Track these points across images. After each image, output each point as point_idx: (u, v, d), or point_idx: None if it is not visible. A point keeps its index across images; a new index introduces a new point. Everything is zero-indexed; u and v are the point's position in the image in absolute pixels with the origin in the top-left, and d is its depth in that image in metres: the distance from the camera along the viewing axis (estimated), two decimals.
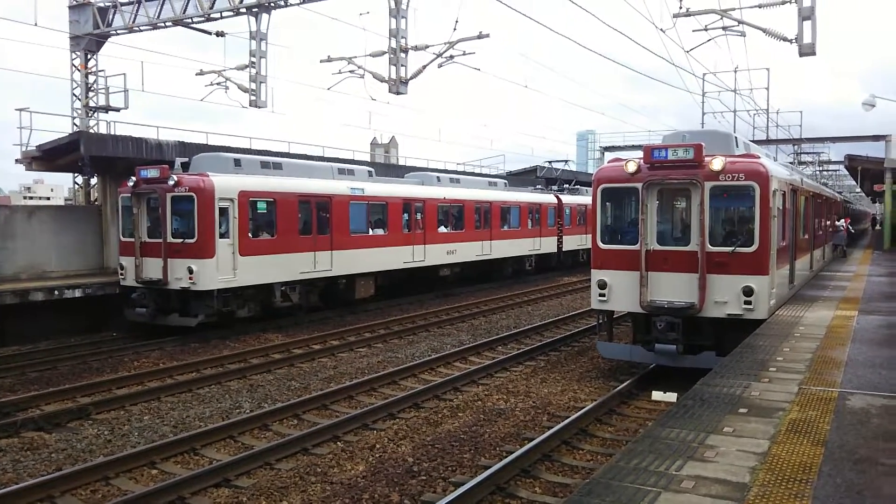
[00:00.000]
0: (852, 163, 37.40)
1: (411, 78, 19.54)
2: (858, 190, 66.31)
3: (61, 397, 12.93)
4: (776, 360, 9.58)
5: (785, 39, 17.52)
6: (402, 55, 19.20)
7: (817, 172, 53.68)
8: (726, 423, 6.79)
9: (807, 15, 17.00)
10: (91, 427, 11.39)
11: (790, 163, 39.19)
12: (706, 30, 19.41)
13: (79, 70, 25.70)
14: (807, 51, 17.13)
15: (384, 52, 19.93)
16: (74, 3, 25.24)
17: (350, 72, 21.69)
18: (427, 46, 20.55)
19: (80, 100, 25.76)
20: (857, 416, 7.00)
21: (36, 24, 21.42)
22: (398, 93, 19.38)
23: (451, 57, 20.53)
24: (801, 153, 48.44)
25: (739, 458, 5.84)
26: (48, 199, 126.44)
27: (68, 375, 14.92)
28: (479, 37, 20.33)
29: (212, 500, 8.43)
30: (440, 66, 20.72)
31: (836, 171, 59.23)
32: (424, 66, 20.27)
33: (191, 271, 17.92)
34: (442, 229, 27.55)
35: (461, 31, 20.15)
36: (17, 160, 23.05)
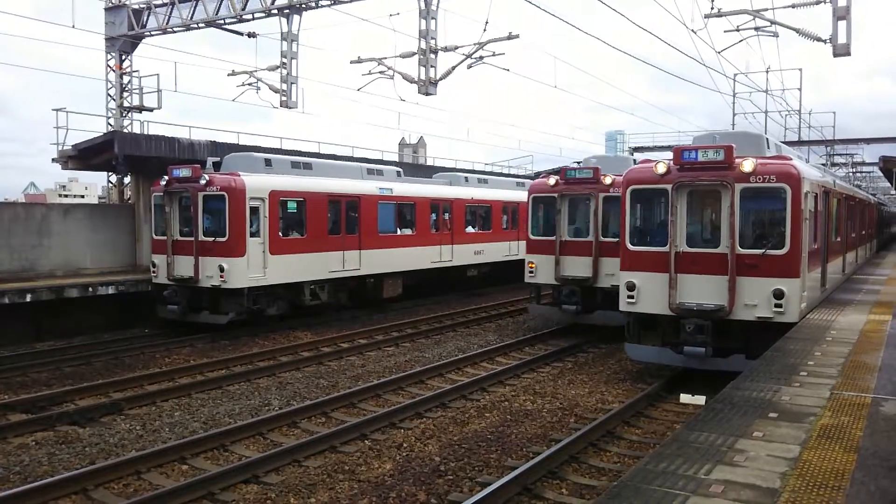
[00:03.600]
0: (887, 164, 36.68)
1: (440, 79, 19.56)
2: (894, 192, 65.16)
3: (95, 392, 13.18)
4: (807, 365, 9.47)
5: (819, 40, 17.28)
6: (432, 56, 19.23)
7: (851, 174, 52.79)
8: (756, 428, 6.74)
9: (841, 15, 16.75)
10: (123, 422, 11.60)
11: (822, 164, 38.60)
12: (738, 30, 19.19)
13: (114, 71, 26.12)
14: (841, 51, 16.88)
15: (414, 53, 19.98)
16: (110, 4, 25.66)
17: (380, 73, 21.76)
18: (456, 47, 20.55)
19: (114, 100, 26.18)
20: (891, 422, 6.91)
21: (73, 27, 21.82)
22: (427, 93, 19.41)
23: (481, 58, 20.50)
24: (833, 155, 47.64)
25: (769, 464, 5.79)
26: (82, 196, 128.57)
27: (102, 371, 15.20)
28: (509, 37, 20.30)
29: (241, 496, 8.55)
30: (469, 66, 20.70)
31: (870, 172, 58.14)
32: (454, 67, 20.27)
33: (222, 269, 18.16)
34: (469, 229, 27.58)
35: (491, 31, 20.07)
36: (53, 159, 23.50)
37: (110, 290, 19.40)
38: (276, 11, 22.02)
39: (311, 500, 8.44)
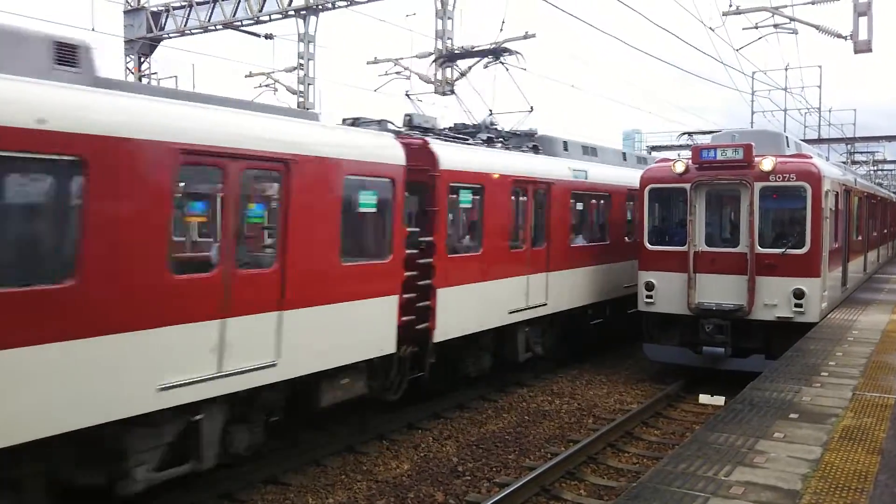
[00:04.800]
0: None
1: (457, 79, 19.57)
2: None
3: None
4: (828, 365, 9.39)
5: (839, 36, 17.09)
6: None
7: (872, 172, 52.25)
8: (777, 429, 6.69)
9: (863, 10, 16.56)
10: None
11: (843, 162, 38.21)
12: (757, 28, 19.01)
13: (132, 73, 26.33)
14: (862, 48, 16.68)
15: (430, 54, 20.01)
16: (129, 7, 25.89)
17: (396, 73, 21.83)
18: (473, 47, 20.54)
19: None
20: None
21: (93, 29, 22.00)
22: (444, 94, 19.42)
23: (497, 57, 20.48)
24: (854, 153, 47.19)
25: (791, 465, 5.75)
26: None
27: None
28: (525, 37, 20.26)
29: (259, 496, 8.57)
30: (486, 66, 20.69)
31: (891, 170, 57.62)
32: (470, 67, 20.26)
33: None
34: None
35: (507, 31, 20.04)
36: None
37: None
38: (292, 13, 22.13)
39: (329, 500, 8.46)
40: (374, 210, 9.52)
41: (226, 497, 8.47)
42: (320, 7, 21.72)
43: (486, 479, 9.09)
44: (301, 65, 22.57)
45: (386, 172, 9.53)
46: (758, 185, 12.71)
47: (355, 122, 10.94)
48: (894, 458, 5.89)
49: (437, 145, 11.03)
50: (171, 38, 25.71)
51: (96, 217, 6.23)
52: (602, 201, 16.22)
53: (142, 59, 26.31)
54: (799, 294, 12.38)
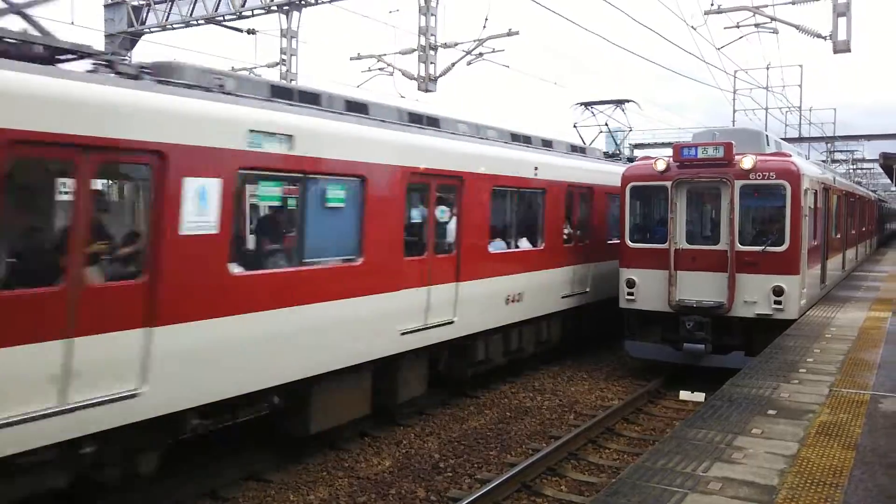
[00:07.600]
0: (887, 161, 36.65)
1: (440, 75, 19.53)
2: (894, 188, 65.16)
3: None
4: (806, 362, 9.49)
5: (819, 36, 17.25)
6: (432, 53, 19.21)
7: (851, 171, 52.79)
8: (755, 425, 6.76)
9: (842, 11, 16.71)
10: None
11: (822, 161, 38.56)
12: (738, 27, 19.15)
13: None
14: (841, 48, 16.84)
15: (413, 50, 19.98)
16: (109, 1, 25.62)
17: (379, 69, 21.77)
18: (456, 44, 20.54)
19: None
20: (889, 419, 6.94)
21: (73, 23, 21.77)
22: (427, 90, 19.39)
23: (481, 54, 20.49)
24: (833, 151, 47.64)
25: (768, 461, 5.81)
26: None
27: None
28: (509, 34, 20.27)
29: (241, 493, 8.55)
30: (469, 63, 20.69)
31: (870, 169, 58.21)
32: (453, 64, 20.25)
33: None
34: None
35: (490, 28, 20.02)
36: None
37: None
38: (275, 8, 22.00)
39: (311, 497, 8.45)
40: None
41: (208, 495, 8.44)
42: (303, 2, 21.61)
43: (467, 475, 9.11)
44: (283, 60, 22.42)
45: None
46: (738, 183, 12.81)
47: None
48: (869, 454, 5.97)
49: None
50: (152, 32, 25.47)
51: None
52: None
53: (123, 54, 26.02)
54: (778, 291, 12.50)
